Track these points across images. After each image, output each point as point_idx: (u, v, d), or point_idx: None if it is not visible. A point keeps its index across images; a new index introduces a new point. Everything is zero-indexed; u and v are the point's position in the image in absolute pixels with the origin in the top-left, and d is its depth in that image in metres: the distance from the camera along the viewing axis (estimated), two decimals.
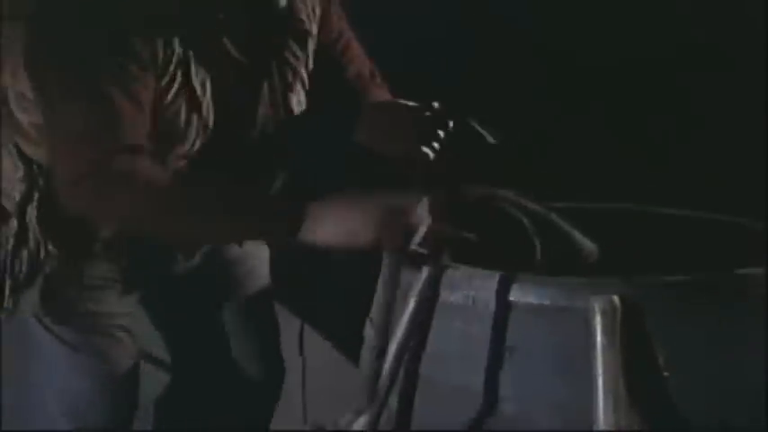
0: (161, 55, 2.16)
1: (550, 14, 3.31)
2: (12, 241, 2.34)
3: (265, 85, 2.32)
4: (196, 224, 2.14)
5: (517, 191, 2.29)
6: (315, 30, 2.40)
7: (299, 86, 2.38)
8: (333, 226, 2.06)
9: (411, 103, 2.45)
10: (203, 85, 2.22)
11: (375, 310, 2.22)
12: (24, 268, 2.33)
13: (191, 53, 2.19)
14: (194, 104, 2.21)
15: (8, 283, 2.35)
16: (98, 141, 2.10)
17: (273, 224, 2.11)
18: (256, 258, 2.57)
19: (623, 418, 2.06)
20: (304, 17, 2.36)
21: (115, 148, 2.10)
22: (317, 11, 2.40)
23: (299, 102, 2.36)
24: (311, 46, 2.40)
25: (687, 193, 2.96)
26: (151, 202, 2.11)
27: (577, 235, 2.33)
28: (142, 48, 2.14)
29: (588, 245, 2.34)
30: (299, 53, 2.36)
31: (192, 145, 2.24)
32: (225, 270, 2.53)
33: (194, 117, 2.23)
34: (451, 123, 2.38)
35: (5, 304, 2.38)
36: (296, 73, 2.36)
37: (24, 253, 2.33)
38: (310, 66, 2.41)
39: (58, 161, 2.13)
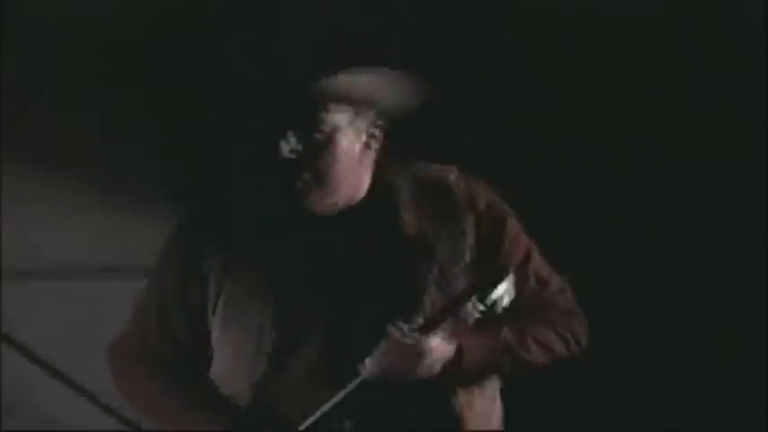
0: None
1: None
2: None
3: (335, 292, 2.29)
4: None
5: None
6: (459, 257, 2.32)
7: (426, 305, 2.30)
8: None
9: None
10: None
11: None
12: None
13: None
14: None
15: None
16: (135, 336, 2.39)
17: None
18: None
19: None
20: (413, 231, 2.31)
21: (141, 345, 2.37)
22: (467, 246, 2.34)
23: (431, 323, 2.27)
24: (439, 269, 2.30)
25: None
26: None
27: None
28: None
29: None
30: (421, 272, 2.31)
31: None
32: None
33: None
34: None
35: None
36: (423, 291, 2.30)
37: None
38: (447, 290, 2.31)
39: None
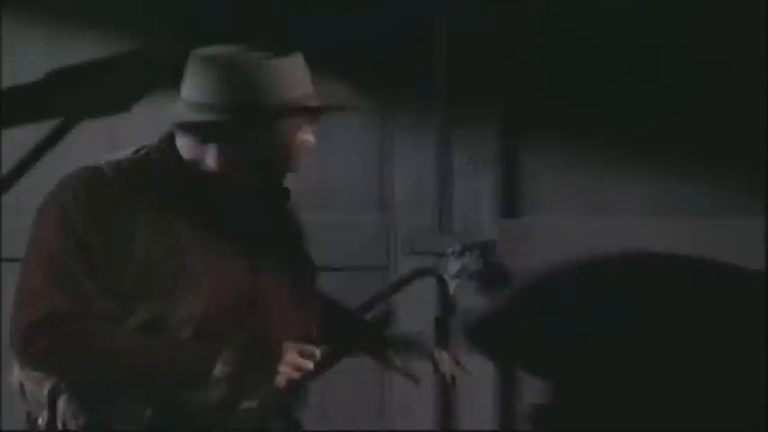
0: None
1: None
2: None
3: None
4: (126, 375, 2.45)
5: None
6: None
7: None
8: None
9: None
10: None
11: None
12: None
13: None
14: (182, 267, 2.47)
15: None
16: (48, 301, 2.42)
17: (187, 375, 2.42)
18: None
19: None
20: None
21: (62, 311, 2.41)
22: None
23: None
24: None
25: None
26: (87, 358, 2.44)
27: None
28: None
29: None
30: None
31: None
32: None
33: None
34: None
35: None
36: None
37: None
38: None
39: (14, 315, 2.46)
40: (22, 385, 2.56)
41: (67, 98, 3.77)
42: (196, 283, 2.44)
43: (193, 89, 2.56)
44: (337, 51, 3.46)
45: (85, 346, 2.43)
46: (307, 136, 2.61)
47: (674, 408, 3.38)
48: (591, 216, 3.40)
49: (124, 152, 2.56)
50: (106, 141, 3.54)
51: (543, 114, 3.40)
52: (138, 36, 3.69)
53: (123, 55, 3.70)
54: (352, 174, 3.46)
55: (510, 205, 3.45)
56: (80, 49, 3.75)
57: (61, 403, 2.50)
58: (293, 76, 2.57)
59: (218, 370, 2.38)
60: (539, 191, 3.40)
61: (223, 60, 2.55)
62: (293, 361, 2.38)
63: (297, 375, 2.39)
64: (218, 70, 2.53)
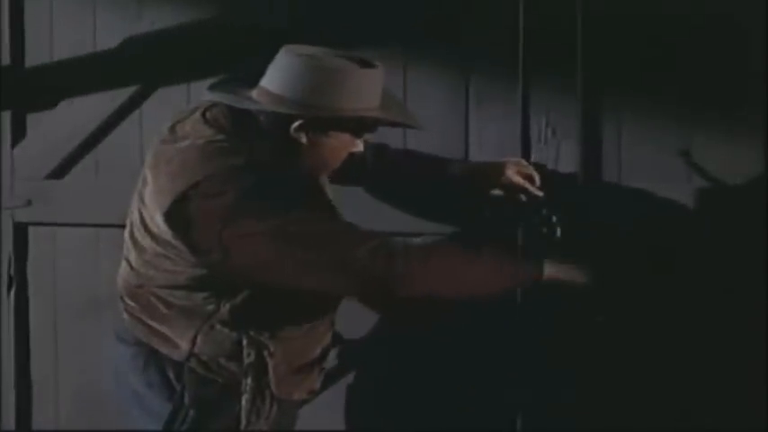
0: None
1: None
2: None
3: None
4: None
5: None
6: None
7: None
8: None
9: None
10: None
11: None
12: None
13: None
14: None
15: None
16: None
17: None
18: None
19: None
20: None
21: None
22: None
23: None
24: None
25: None
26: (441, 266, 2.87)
27: None
28: None
29: None
30: None
31: None
32: None
33: None
34: None
35: None
36: None
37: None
38: None
39: (346, 256, 2.75)
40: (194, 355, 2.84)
41: (144, 65, 3.81)
42: None
43: (278, 82, 2.75)
44: (417, 24, 3.48)
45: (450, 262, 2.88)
46: (360, 143, 2.84)
47: (672, 407, 3.32)
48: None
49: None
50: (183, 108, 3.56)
51: (624, 80, 3.37)
52: (214, 4, 3.70)
53: (199, 23, 3.71)
54: (435, 143, 3.48)
55: (589, 173, 3.41)
56: (157, 17, 3.78)
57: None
58: (373, 86, 2.77)
59: None
60: (618, 158, 3.35)
61: (313, 62, 2.74)
62: None
63: None
64: (307, 71, 2.72)
